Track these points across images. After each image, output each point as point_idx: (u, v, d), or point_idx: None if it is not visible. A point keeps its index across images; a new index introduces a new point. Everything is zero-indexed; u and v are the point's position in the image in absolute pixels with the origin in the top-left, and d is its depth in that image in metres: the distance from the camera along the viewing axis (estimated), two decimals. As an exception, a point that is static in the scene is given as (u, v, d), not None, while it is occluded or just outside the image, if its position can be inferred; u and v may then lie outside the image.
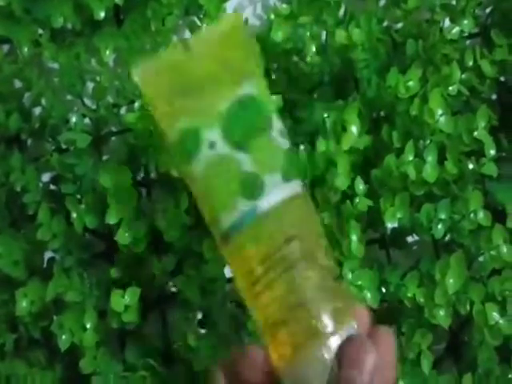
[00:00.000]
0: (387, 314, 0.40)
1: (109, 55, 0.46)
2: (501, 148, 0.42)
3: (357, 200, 0.38)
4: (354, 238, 0.38)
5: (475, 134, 0.38)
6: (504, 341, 0.37)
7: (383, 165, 0.39)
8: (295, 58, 0.44)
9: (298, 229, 0.30)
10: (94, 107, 0.47)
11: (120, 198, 0.40)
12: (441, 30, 0.43)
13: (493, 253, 0.37)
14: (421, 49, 0.42)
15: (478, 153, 0.39)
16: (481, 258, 0.39)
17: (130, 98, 0.45)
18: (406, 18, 0.44)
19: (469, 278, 0.37)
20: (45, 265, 0.45)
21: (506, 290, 0.36)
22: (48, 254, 0.45)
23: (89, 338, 0.40)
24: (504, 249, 0.37)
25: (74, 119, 0.44)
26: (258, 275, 0.29)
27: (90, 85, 0.46)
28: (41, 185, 0.45)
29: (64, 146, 0.46)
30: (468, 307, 0.37)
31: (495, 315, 0.36)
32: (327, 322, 0.28)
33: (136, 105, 0.42)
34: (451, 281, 0.36)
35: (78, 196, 0.43)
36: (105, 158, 0.48)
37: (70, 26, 0.47)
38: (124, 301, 0.39)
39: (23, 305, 0.41)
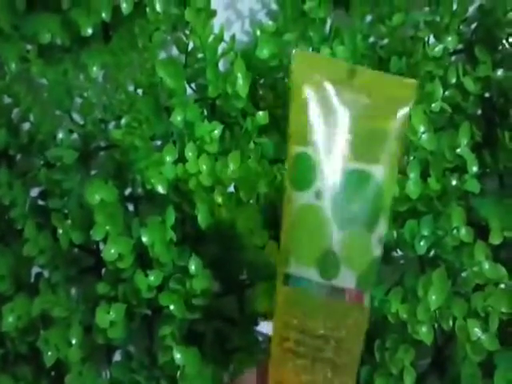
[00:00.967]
0: (372, 329, 0.40)
1: (96, 71, 0.46)
2: (485, 164, 0.43)
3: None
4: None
5: (458, 150, 0.39)
6: (487, 356, 0.37)
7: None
8: (281, 74, 0.45)
9: (341, 335, 0.29)
10: (82, 123, 0.47)
11: (106, 215, 0.40)
12: (427, 46, 0.43)
13: (475, 269, 0.38)
14: (404, 66, 0.42)
15: (461, 169, 0.40)
16: (464, 274, 0.39)
17: (117, 113, 0.45)
18: (391, 35, 0.45)
19: (452, 293, 0.38)
20: (32, 280, 0.45)
21: (488, 305, 0.37)
22: (36, 269, 0.45)
23: (74, 354, 0.40)
24: (486, 265, 0.37)
25: (60, 135, 0.44)
26: (291, 336, 0.30)
27: (78, 100, 0.47)
28: (28, 200, 0.45)
29: (53, 162, 0.46)
30: (451, 323, 0.37)
31: (477, 331, 0.36)
32: None
33: (123, 121, 0.43)
34: (433, 297, 0.36)
35: (66, 211, 0.44)
36: (93, 172, 0.48)
37: (58, 41, 0.48)
38: (109, 316, 0.39)
39: (10, 320, 0.41)
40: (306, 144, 0.30)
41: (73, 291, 0.46)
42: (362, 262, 0.30)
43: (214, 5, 0.45)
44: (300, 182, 0.30)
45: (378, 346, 0.38)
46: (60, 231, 0.41)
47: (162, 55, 0.49)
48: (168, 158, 0.41)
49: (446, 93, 0.42)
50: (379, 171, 0.30)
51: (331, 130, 0.30)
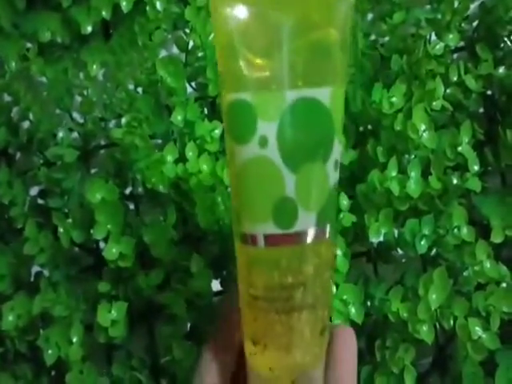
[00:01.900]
0: (373, 328, 0.40)
1: (96, 69, 0.46)
2: (487, 162, 0.43)
3: (341, 216, 0.38)
4: (339, 252, 0.39)
5: (459, 148, 0.39)
6: (489, 355, 0.37)
7: (367, 180, 0.39)
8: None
9: (309, 277, 0.28)
10: (81, 121, 0.47)
11: (107, 214, 0.40)
12: (428, 44, 0.43)
13: (476, 268, 0.38)
14: (405, 64, 0.42)
15: (462, 167, 0.40)
16: (465, 273, 0.39)
17: (117, 112, 0.45)
18: (392, 33, 0.45)
19: (453, 292, 0.38)
20: (32, 279, 0.45)
21: (489, 304, 0.36)
22: (35, 269, 0.45)
23: (75, 353, 0.40)
24: (487, 264, 0.37)
25: (61, 134, 0.44)
26: (259, 294, 0.29)
27: (78, 99, 0.46)
28: (28, 199, 0.45)
29: (53, 161, 0.46)
30: (452, 322, 0.37)
31: (478, 330, 0.36)
32: (301, 363, 0.29)
33: (123, 120, 0.43)
34: (434, 296, 0.36)
35: (66, 210, 0.44)
36: (93, 171, 0.48)
37: (58, 40, 0.48)
38: (111, 315, 0.39)
39: (10, 319, 0.41)
40: (239, 89, 0.27)
41: (73, 290, 0.46)
42: (321, 197, 0.28)
43: (214, 3, 0.45)
44: (240, 135, 0.27)
45: (379, 345, 0.38)
46: (61, 230, 0.41)
47: (163, 54, 0.49)
48: (169, 158, 0.41)
49: (448, 91, 0.42)
50: (325, 94, 0.27)
51: (263, 63, 0.26)
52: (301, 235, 0.28)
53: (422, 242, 0.38)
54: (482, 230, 0.40)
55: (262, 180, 0.27)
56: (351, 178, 0.42)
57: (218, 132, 0.42)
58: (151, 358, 0.43)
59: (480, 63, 0.43)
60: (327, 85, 0.27)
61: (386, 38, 0.45)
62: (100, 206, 0.40)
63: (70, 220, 0.42)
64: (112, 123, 0.47)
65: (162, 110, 0.45)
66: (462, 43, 0.46)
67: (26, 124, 0.47)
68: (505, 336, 0.37)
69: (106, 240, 0.40)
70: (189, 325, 0.42)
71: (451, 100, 0.42)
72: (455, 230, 0.38)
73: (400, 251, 0.42)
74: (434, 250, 0.41)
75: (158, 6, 0.45)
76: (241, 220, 0.28)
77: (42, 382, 0.42)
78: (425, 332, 0.36)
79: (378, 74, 0.44)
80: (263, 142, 0.27)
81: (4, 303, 0.41)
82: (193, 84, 0.47)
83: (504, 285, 0.38)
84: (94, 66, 0.46)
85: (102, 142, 0.48)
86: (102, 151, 0.48)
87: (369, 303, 0.40)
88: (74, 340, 0.40)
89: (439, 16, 0.44)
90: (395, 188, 0.38)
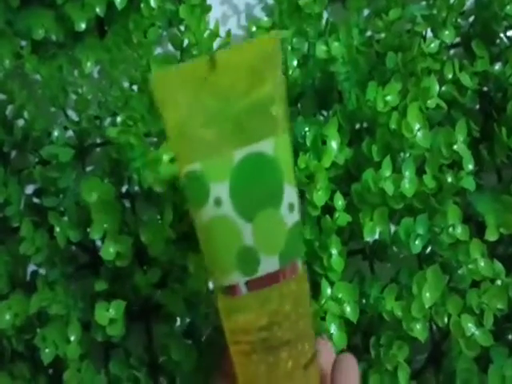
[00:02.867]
0: (368, 326, 0.40)
1: (90, 67, 0.46)
2: (482, 159, 0.43)
3: (336, 215, 0.39)
4: (334, 251, 0.39)
5: (454, 147, 0.39)
6: (483, 352, 0.37)
7: (362, 180, 0.39)
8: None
9: (283, 315, 0.30)
10: (76, 119, 0.47)
11: (103, 213, 0.40)
12: (424, 40, 0.43)
13: (471, 266, 0.38)
14: (401, 62, 0.42)
15: (458, 165, 0.40)
16: (460, 271, 0.39)
17: (112, 110, 0.45)
18: (388, 29, 0.44)
19: (447, 290, 0.38)
20: (28, 278, 0.45)
21: (483, 302, 0.37)
22: (32, 268, 0.45)
23: (72, 351, 0.40)
24: (482, 262, 0.38)
25: (56, 133, 0.44)
26: (239, 339, 0.31)
27: (73, 97, 0.46)
28: (24, 197, 0.45)
29: (51, 160, 0.46)
30: (446, 319, 0.37)
31: (471, 327, 0.36)
32: None
33: (118, 119, 0.42)
34: (428, 294, 0.36)
35: (62, 209, 0.44)
36: (88, 169, 0.48)
37: (53, 37, 0.47)
38: (108, 314, 0.39)
39: (6, 318, 0.41)
40: (190, 161, 0.30)
41: (70, 289, 0.46)
42: (279, 240, 0.30)
43: (209, 0, 0.45)
44: (197, 200, 0.30)
45: (373, 342, 0.39)
46: (57, 229, 0.41)
47: (158, 51, 0.49)
48: (164, 157, 0.41)
49: (443, 88, 0.42)
50: (269, 145, 0.29)
51: (210, 132, 0.29)
52: (267, 278, 0.30)
53: (417, 242, 0.38)
54: (477, 227, 0.40)
55: (221, 236, 0.30)
56: (346, 176, 0.42)
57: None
58: (149, 357, 0.43)
59: (476, 60, 0.43)
60: (269, 136, 0.29)
61: (382, 35, 0.45)
62: (96, 205, 0.40)
63: (65, 219, 0.42)
64: (107, 121, 0.47)
65: (157, 108, 0.44)
66: (457, 39, 0.46)
67: (20, 122, 0.46)
68: (498, 333, 0.37)
69: (102, 239, 0.40)
70: (186, 323, 0.42)
71: (446, 97, 0.42)
72: (450, 229, 0.38)
73: (396, 249, 0.42)
74: (429, 248, 0.41)
75: (153, 3, 0.45)
76: (213, 273, 0.31)
77: (40, 380, 0.42)
78: (418, 330, 0.36)
79: (373, 72, 0.44)
80: (218, 202, 0.29)
81: (0, 302, 0.41)
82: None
83: (498, 282, 0.38)
84: (89, 64, 0.46)
85: (98, 141, 0.48)
86: (98, 149, 0.48)
87: (364, 301, 0.40)
88: (72, 338, 0.40)
89: (435, 12, 0.44)
90: (389, 188, 0.38)
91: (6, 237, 0.45)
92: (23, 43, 0.47)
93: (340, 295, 0.38)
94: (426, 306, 0.36)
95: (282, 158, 0.30)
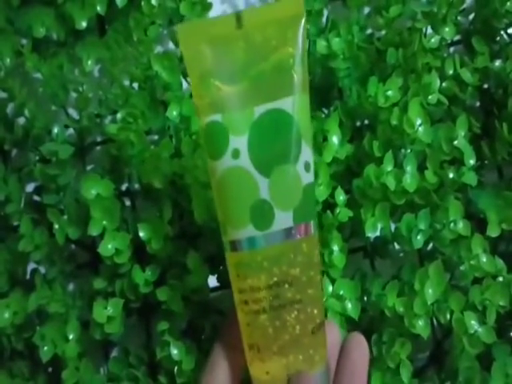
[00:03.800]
0: (369, 323, 0.40)
1: (91, 65, 0.46)
2: (483, 155, 0.43)
3: (337, 211, 0.38)
4: (335, 248, 0.38)
5: (455, 142, 0.38)
6: (485, 350, 0.37)
7: (364, 175, 0.39)
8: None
9: (295, 273, 0.30)
10: (77, 117, 0.47)
11: (102, 210, 0.40)
12: (423, 37, 0.43)
13: (472, 262, 0.37)
14: (401, 58, 0.41)
15: (459, 161, 0.39)
16: (462, 267, 0.39)
17: (112, 108, 0.45)
18: (389, 26, 0.44)
19: (449, 287, 0.38)
20: (28, 276, 0.45)
21: (486, 299, 0.36)
22: (32, 266, 0.45)
23: (71, 349, 0.39)
24: (483, 258, 0.37)
25: (55, 130, 0.44)
26: (248, 298, 0.31)
27: (74, 95, 0.46)
28: (24, 195, 0.45)
29: (49, 157, 0.46)
30: (448, 316, 0.37)
31: (474, 324, 0.36)
32: (296, 364, 0.30)
33: (118, 116, 0.42)
34: (430, 291, 0.36)
35: (61, 207, 0.44)
36: (89, 167, 0.48)
37: (54, 36, 0.48)
38: (107, 312, 0.39)
39: (5, 316, 0.41)
40: (212, 112, 0.30)
41: (70, 287, 0.46)
42: (294, 196, 0.30)
43: (210, -3, 0.45)
44: (215, 151, 0.30)
45: (375, 340, 0.38)
46: (56, 227, 0.41)
47: (159, 49, 0.49)
48: (164, 153, 0.41)
49: (444, 84, 0.42)
50: (288, 103, 0.30)
51: (232, 89, 0.30)
52: (280, 234, 0.30)
53: (419, 237, 0.38)
54: (479, 224, 0.40)
55: (237, 187, 0.30)
56: (348, 172, 0.42)
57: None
58: (148, 355, 0.42)
59: (476, 56, 0.43)
60: (289, 95, 0.31)
61: (383, 32, 0.45)
62: (95, 202, 0.40)
63: (65, 217, 0.42)
64: (108, 119, 0.47)
65: (157, 105, 0.44)
66: (458, 37, 0.46)
67: (21, 120, 0.46)
68: (501, 330, 0.37)
69: (101, 236, 0.40)
70: (185, 321, 0.42)
71: (447, 93, 0.42)
72: (451, 225, 0.37)
73: (397, 246, 0.42)
74: (430, 245, 0.41)
75: (153, 1, 0.45)
76: (226, 229, 0.31)
77: (39, 379, 0.42)
78: (421, 327, 0.36)
79: (374, 68, 0.43)
80: (236, 154, 0.30)
81: (0, 300, 0.41)
82: (188, 79, 0.46)
83: (500, 279, 0.38)
84: (89, 62, 0.46)
85: (98, 139, 0.48)
86: (98, 148, 0.48)
87: (365, 298, 0.40)
88: (71, 337, 0.40)
89: (435, 9, 0.43)
90: (391, 182, 0.38)
91: (6, 235, 0.45)
92: (24, 41, 0.47)
93: (341, 292, 0.38)
94: (429, 303, 0.36)
95: (301, 116, 0.31)
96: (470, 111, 0.43)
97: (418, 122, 0.38)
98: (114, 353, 0.43)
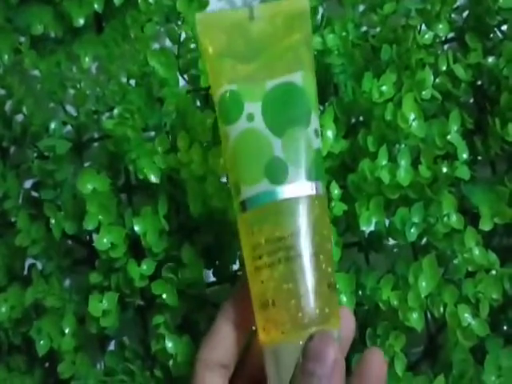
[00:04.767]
0: (364, 316, 0.40)
1: (89, 62, 0.46)
2: (476, 151, 0.43)
3: (332, 204, 0.39)
4: (330, 241, 0.39)
5: (448, 137, 0.39)
6: (479, 343, 0.37)
7: (358, 169, 0.39)
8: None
9: (309, 226, 0.31)
10: (75, 114, 0.47)
11: (98, 204, 0.40)
12: (417, 33, 0.43)
13: (466, 255, 0.38)
14: (395, 54, 0.42)
15: (452, 156, 0.40)
16: (455, 261, 0.39)
17: (110, 104, 0.45)
18: (383, 23, 0.45)
19: (443, 280, 0.38)
20: (26, 271, 0.45)
21: (479, 292, 0.37)
22: (30, 261, 0.45)
23: (67, 343, 0.40)
24: (476, 251, 0.38)
25: (53, 126, 0.44)
26: (263, 252, 0.31)
27: (72, 92, 0.47)
28: (22, 191, 0.45)
29: (46, 153, 0.46)
30: (442, 309, 0.37)
31: (467, 317, 0.36)
32: (312, 320, 0.30)
33: (115, 111, 0.43)
34: (424, 284, 0.36)
35: (59, 202, 0.44)
36: (87, 164, 0.48)
37: (52, 33, 0.48)
38: (102, 305, 0.39)
39: (3, 310, 0.41)
40: (227, 82, 0.33)
41: (66, 282, 0.46)
42: (307, 155, 0.32)
43: (207, -5, 0.45)
44: (231, 116, 0.33)
45: (370, 333, 0.38)
46: (52, 221, 0.41)
47: (155, 46, 0.49)
48: (160, 148, 0.42)
49: (437, 80, 0.42)
50: (297, 76, 0.33)
51: (245, 67, 0.34)
52: (294, 188, 0.31)
53: (412, 230, 0.38)
54: (472, 219, 0.40)
55: (252, 147, 0.32)
56: (342, 167, 0.42)
57: (209, 122, 0.42)
58: (144, 349, 0.43)
59: (469, 53, 0.43)
60: (298, 70, 0.34)
61: (377, 29, 0.45)
62: (91, 197, 0.40)
63: (62, 212, 0.42)
64: (105, 116, 0.47)
65: (154, 101, 0.45)
66: (452, 34, 0.47)
67: (19, 117, 0.47)
68: (494, 324, 0.37)
69: (97, 231, 0.40)
70: (181, 315, 0.42)
71: (440, 89, 0.42)
72: (445, 218, 0.38)
73: (391, 240, 0.42)
74: (424, 239, 0.41)
75: (150, -2, 0.45)
76: (239, 188, 0.32)
77: (36, 373, 0.42)
78: (415, 319, 0.36)
79: (369, 65, 0.44)
80: (250, 118, 0.32)
81: (-2, 295, 0.42)
82: (185, 76, 0.47)
83: (493, 272, 0.38)
84: (87, 59, 0.46)
85: (96, 135, 0.48)
86: (96, 144, 0.48)
87: (360, 292, 0.40)
88: (67, 331, 0.40)
89: (429, 6, 0.44)
90: (385, 176, 0.38)
91: (5, 230, 0.45)
92: (22, 39, 0.47)
93: (336, 286, 0.38)
94: (422, 296, 0.36)
95: (309, 89, 0.34)
96: (464, 107, 0.43)
97: (412, 117, 0.39)
98: (112, 347, 0.43)
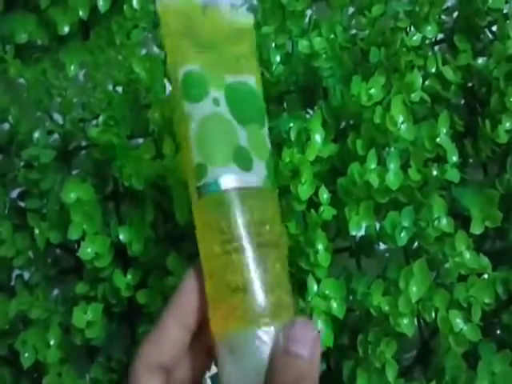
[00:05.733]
0: (354, 324, 0.39)
1: (74, 70, 0.46)
2: (467, 153, 0.42)
3: (321, 209, 0.38)
4: (320, 247, 0.38)
5: (437, 140, 0.38)
6: (472, 348, 0.36)
7: (348, 173, 0.39)
8: (261, 68, 0.44)
9: (269, 217, 0.32)
10: (61, 122, 0.46)
11: (82, 213, 0.40)
12: (405, 36, 0.42)
13: (457, 259, 0.37)
14: (384, 56, 0.41)
15: (442, 159, 0.39)
16: (447, 265, 0.38)
17: (96, 112, 0.45)
18: (371, 26, 0.44)
19: (434, 285, 0.37)
20: (13, 281, 0.44)
21: (470, 296, 0.36)
22: (17, 272, 0.44)
23: (52, 355, 0.39)
24: (467, 255, 0.37)
25: (37, 135, 0.44)
26: (224, 239, 0.31)
27: (58, 100, 0.46)
28: (8, 201, 0.45)
29: (33, 162, 0.45)
30: (433, 314, 0.36)
31: (459, 322, 0.35)
32: (268, 311, 0.30)
33: (100, 119, 0.42)
34: (414, 289, 0.35)
35: (44, 211, 0.43)
36: (74, 172, 0.48)
37: (38, 41, 0.48)
38: (86, 317, 0.39)
39: (-12, 322, 0.41)
40: (191, 61, 0.33)
41: (55, 291, 0.45)
42: (265, 151, 0.34)
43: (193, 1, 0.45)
44: (196, 94, 0.32)
45: (361, 340, 0.38)
46: (36, 231, 0.41)
47: (143, 53, 0.49)
48: (146, 155, 0.41)
49: (426, 82, 0.42)
50: (252, 80, 0.35)
51: (204, 52, 0.33)
52: (259, 177, 0.32)
53: (402, 234, 0.37)
54: (463, 222, 0.39)
55: (219, 131, 0.32)
56: (332, 172, 0.41)
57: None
58: (130, 359, 0.42)
59: (459, 54, 0.43)
60: (251, 74, 0.35)
61: (366, 32, 0.45)
62: (75, 206, 0.40)
63: (46, 221, 0.41)
64: (92, 123, 0.47)
65: (140, 108, 0.44)
66: (441, 35, 0.46)
67: (5, 126, 0.46)
68: (486, 329, 0.36)
69: (82, 240, 0.40)
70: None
71: (430, 92, 0.41)
72: (435, 222, 0.37)
73: (382, 245, 0.41)
74: (415, 243, 0.40)
75: (135, 4, 0.45)
76: (206, 170, 0.31)
77: (22, 385, 0.41)
78: (405, 325, 0.36)
79: (358, 68, 0.43)
80: (216, 103, 0.32)
81: (-18, 306, 0.41)
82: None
83: (485, 276, 0.37)
84: (73, 67, 0.46)
85: (84, 143, 0.48)
86: (83, 152, 0.48)
87: (351, 298, 0.39)
88: (52, 342, 0.39)
89: (417, 8, 0.43)
90: (375, 180, 0.37)
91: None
92: (7, 47, 0.47)
93: (327, 292, 0.37)
94: (413, 301, 0.35)
95: (261, 95, 0.35)
96: (454, 109, 0.42)
97: (401, 120, 0.38)
98: (96, 357, 0.42)
